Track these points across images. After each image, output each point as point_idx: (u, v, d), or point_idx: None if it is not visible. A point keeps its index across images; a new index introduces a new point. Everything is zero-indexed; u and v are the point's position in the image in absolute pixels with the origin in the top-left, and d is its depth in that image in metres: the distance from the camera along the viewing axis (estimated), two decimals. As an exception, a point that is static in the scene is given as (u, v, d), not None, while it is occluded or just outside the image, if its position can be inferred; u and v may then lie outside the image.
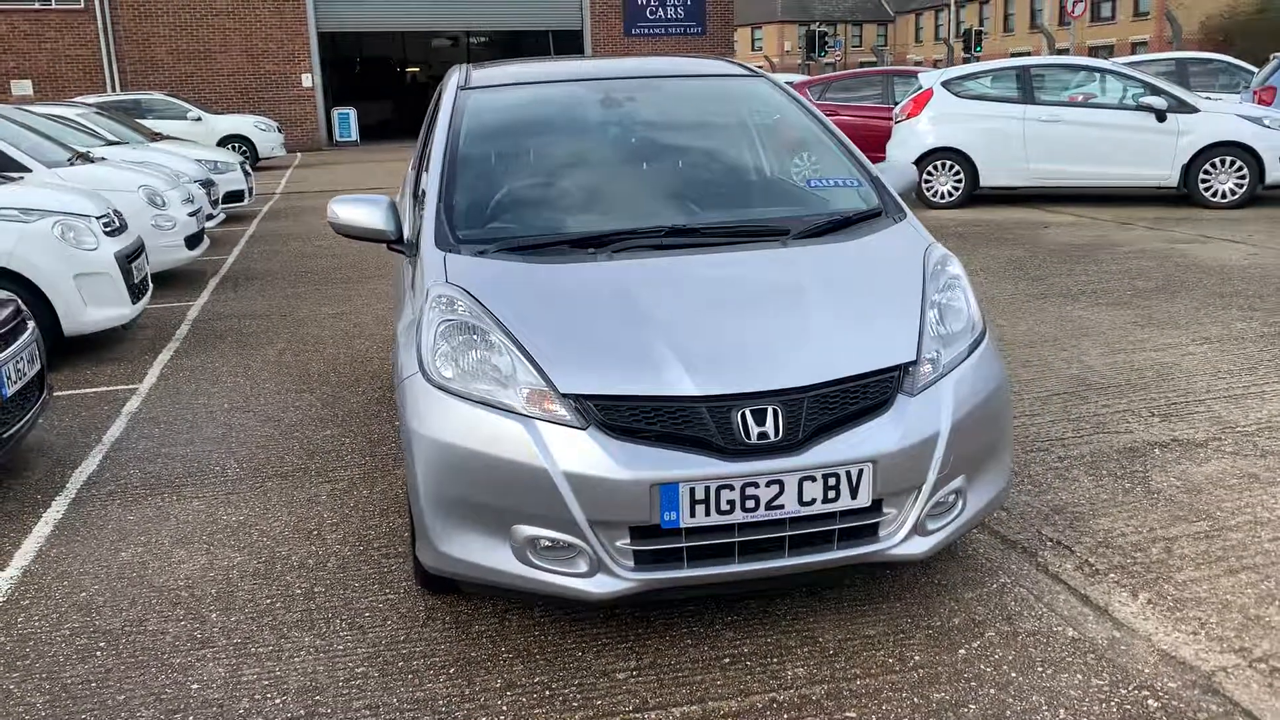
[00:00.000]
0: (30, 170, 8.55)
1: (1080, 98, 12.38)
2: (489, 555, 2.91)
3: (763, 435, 2.82)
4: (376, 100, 41.54)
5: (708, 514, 2.81)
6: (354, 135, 30.07)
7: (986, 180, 12.36)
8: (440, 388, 2.97)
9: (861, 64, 56.73)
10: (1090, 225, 10.77)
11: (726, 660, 2.99)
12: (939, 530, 3.07)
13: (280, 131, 23.45)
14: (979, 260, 8.99)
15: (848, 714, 2.73)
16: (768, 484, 2.82)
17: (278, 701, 2.84)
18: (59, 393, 5.78)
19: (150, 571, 3.65)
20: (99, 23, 26.57)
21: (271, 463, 4.66)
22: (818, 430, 2.87)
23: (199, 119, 21.95)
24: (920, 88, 12.80)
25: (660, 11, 32.17)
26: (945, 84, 12.58)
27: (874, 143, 12.60)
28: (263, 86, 28.40)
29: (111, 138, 12.13)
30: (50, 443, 5.05)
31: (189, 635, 3.21)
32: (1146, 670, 2.87)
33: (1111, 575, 3.38)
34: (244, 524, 4.01)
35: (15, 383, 4.45)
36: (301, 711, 2.79)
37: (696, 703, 2.79)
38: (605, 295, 3.16)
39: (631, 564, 2.86)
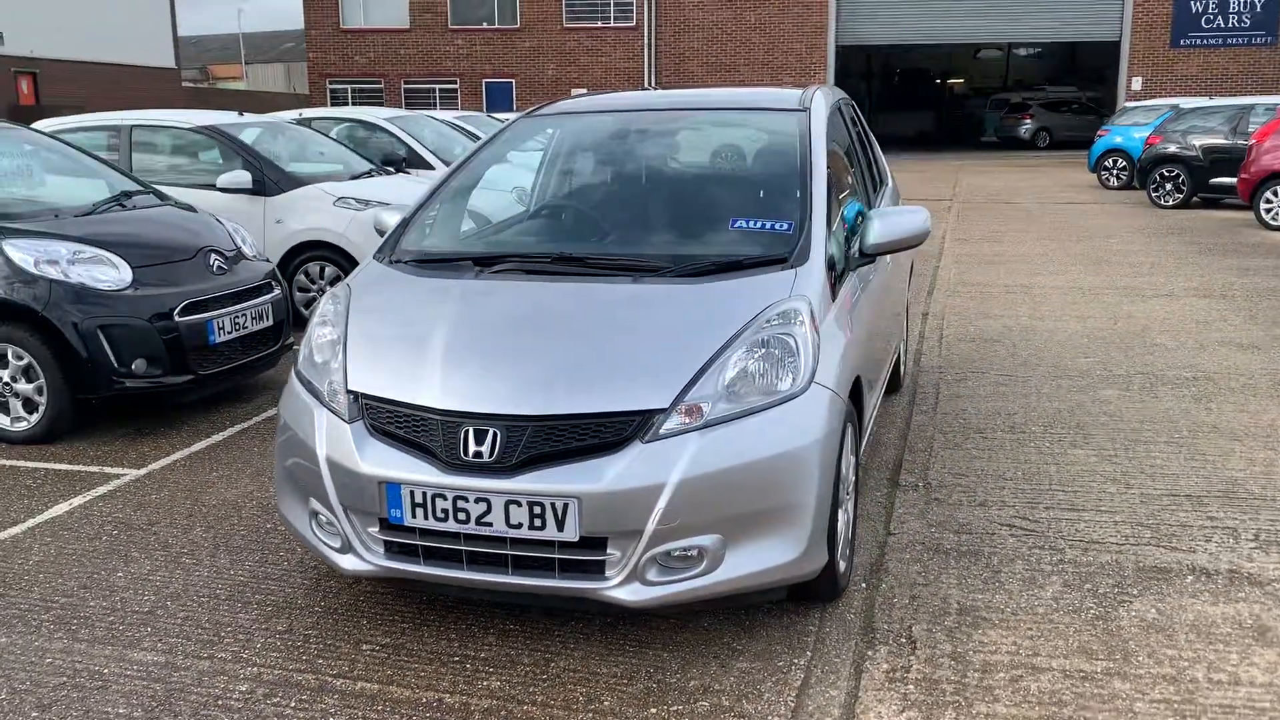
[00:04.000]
0: (432, 168, 10.31)
1: None
2: (298, 519, 3.43)
3: (478, 454, 3.03)
4: (916, 111, 41.85)
5: (426, 518, 3.08)
6: (858, 146, 30.61)
7: None
8: (296, 372, 3.53)
9: None
10: None
11: (457, 659, 3.22)
12: (667, 584, 3.02)
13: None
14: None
15: (478, 728, 2.87)
16: (476, 500, 3.02)
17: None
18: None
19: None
20: (645, 39, 29.90)
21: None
22: (535, 459, 3.00)
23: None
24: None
25: (1219, 20, 28.63)
26: None
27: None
28: (777, 97, 29.99)
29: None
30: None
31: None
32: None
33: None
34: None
35: (228, 333, 5.72)
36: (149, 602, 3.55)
37: (393, 684, 3.08)
38: (442, 309, 3.49)
39: (382, 551, 3.21)
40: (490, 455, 3.02)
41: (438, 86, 30.77)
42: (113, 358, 5.26)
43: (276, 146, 8.77)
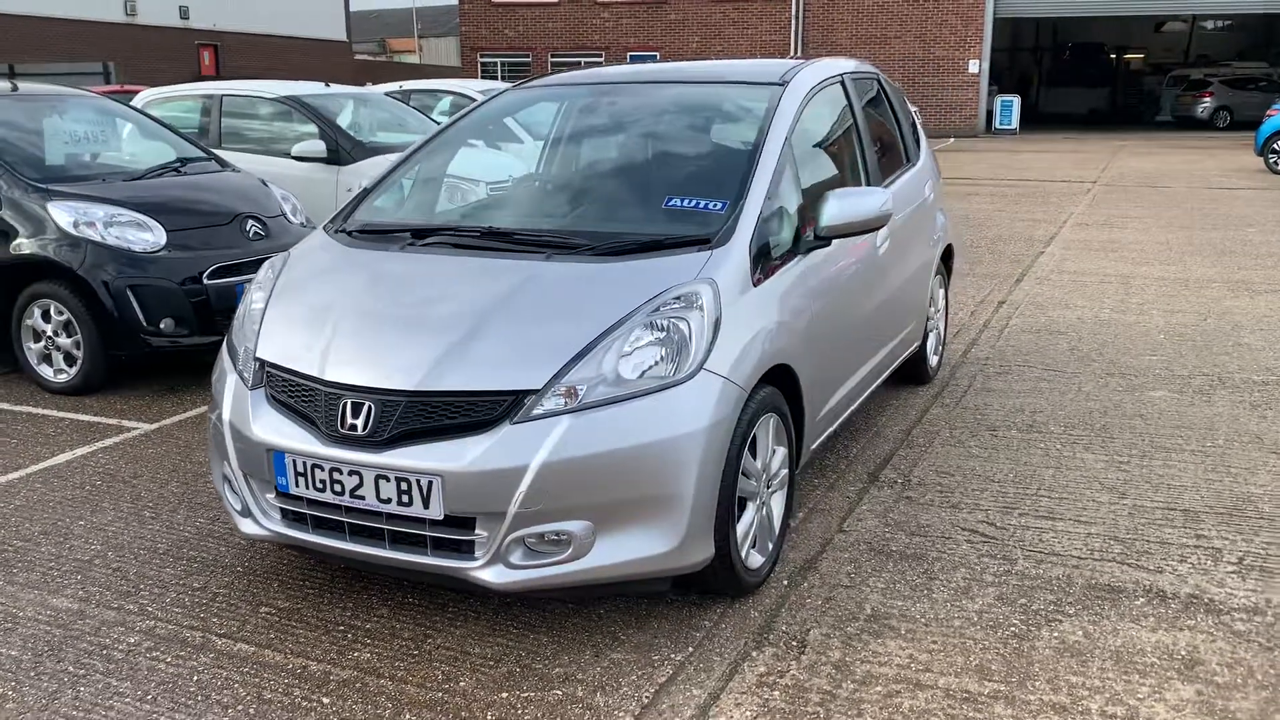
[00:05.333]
0: (521, 141, 10.37)
1: None
2: (217, 480, 3.52)
3: (353, 427, 3.03)
4: (1089, 88, 39.71)
5: (307, 488, 3.12)
6: (1014, 124, 29.31)
7: None
8: (226, 336, 3.62)
9: None
10: None
11: (342, 628, 3.25)
12: (532, 568, 2.96)
13: (918, 116, 23.86)
14: None
15: (324, 699, 2.88)
16: (349, 473, 3.03)
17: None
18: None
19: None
20: (792, 10, 29.31)
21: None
22: (407, 434, 2.98)
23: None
24: None
25: None
26: None
27: None
28: (929, 72, 28.98)
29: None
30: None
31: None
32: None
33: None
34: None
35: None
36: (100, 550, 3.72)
37: (270, 648, 3.13)
38: (354, 280, 3.50)
39: (278, 517, 3.27)
40: (364, 429, 3.01)
41: (583, 59, 30.96)
42: (141, 317, 5.51)
43: (359, 117, 9.00)
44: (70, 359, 5.65)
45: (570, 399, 2.95)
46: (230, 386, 3.37)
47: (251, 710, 2.82)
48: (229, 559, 3.71)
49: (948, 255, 5.89)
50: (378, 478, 2.99)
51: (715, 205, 3.55)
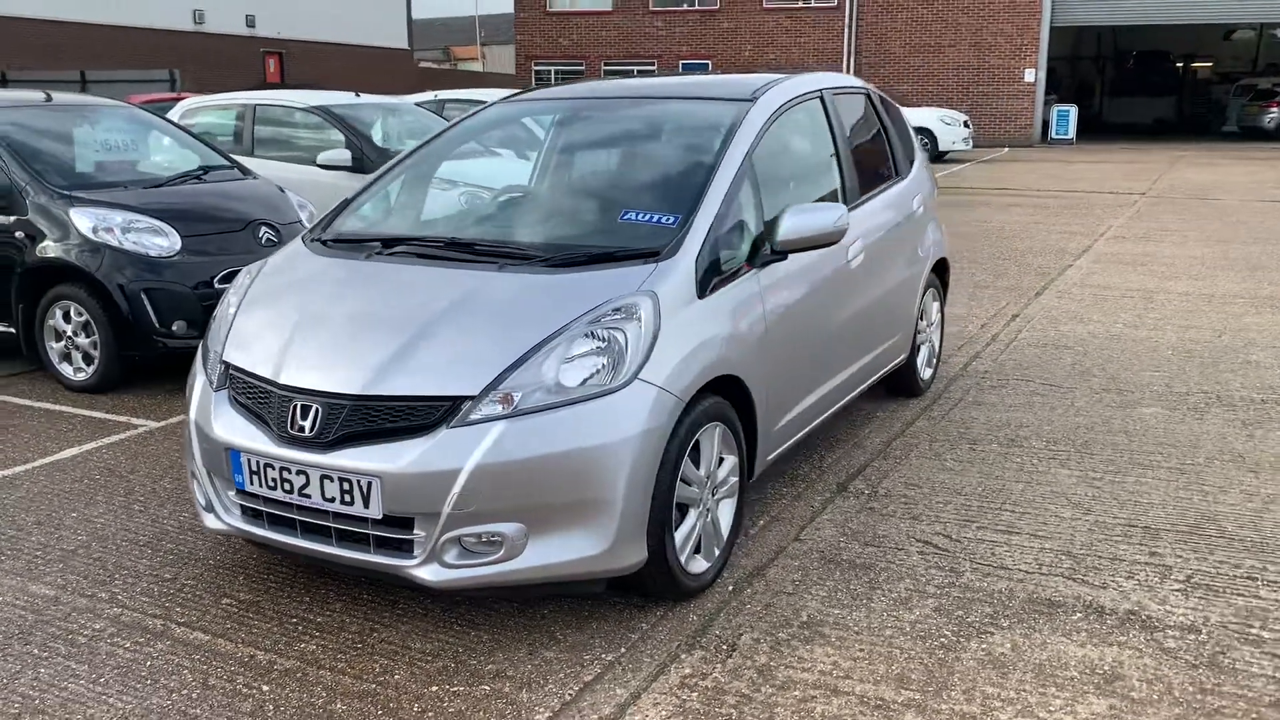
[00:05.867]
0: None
1: None
2: (189, 475, 3.70)
3: (300, 429, 3.18)
4: (1154, 97, 38.96)
5: (261, 486, 3.27)
6: (1070, 133, 28.89)
7: None
8: (203, 339, 3.80)
9: None
10: None
11: (294, 620, 3.39)
12: (467, 568, 3.08)
13: (968, 126, 23.70)
14: None
15: (264, 687, 3.02)
16: (297, 472, 3.18)
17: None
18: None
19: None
20: (845, 18, 29.21)
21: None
22: (351, 437, 3.12)
23: (890, 110, 23.27)
24: None
25: None
26: None
27: None
28: (983, 80, 28.69)
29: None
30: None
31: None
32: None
33: (695, 692, 2.96)
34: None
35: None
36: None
37: (223, 638, 3.28)
38: (325, 286, 3.64)
39: (238, 513, 3.43)
40: (311, 431, 3.16)
41: (636, 68, 31.16)
42: (154, 319, 5.75)
43: (389, 127, 9.23)
44: (88, 358, 5.90)
45: (506, 405, 3.06)
46: (198, 387, 3.54)
47: (194, 695, 2.98)
48: (203, 552, 3.88)
49: (942, 269, 5.90)
50: (323, 477, 3.13)
51: (668, 219, 3.64)
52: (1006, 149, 27.82)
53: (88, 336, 5.87)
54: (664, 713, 2.88)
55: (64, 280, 5.88)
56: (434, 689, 3.00)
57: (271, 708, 2.92)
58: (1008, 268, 9.94)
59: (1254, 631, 3.24)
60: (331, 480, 3.12)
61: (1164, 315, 7.73)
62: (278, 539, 3.32)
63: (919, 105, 25.15)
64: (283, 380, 3.27)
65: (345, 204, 4.26)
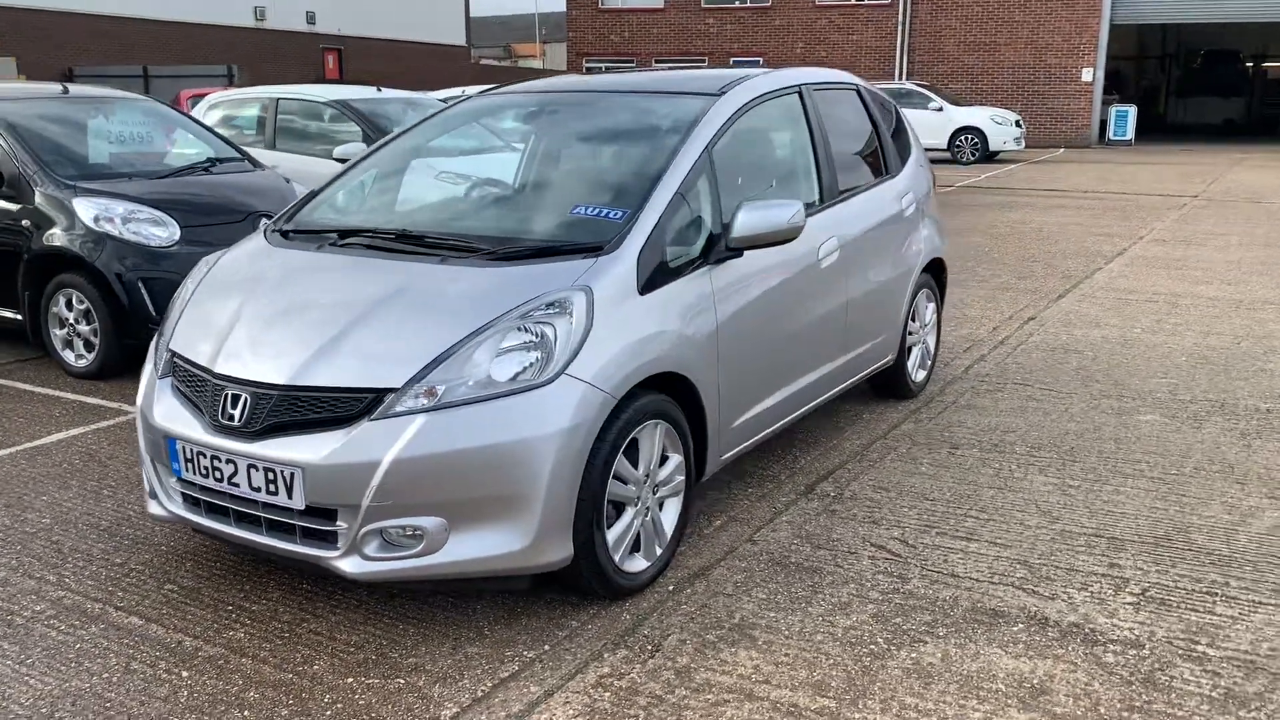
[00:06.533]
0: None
1: None
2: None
3: (230, 418, 3.20)
4: (1223, 98, 37.96)
5: (194, 473, 3.30)
6: (1128, 134, 28.23)
7: None
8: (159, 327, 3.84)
9: None
10: None
11: (230, 608, 3.41)
12: (387, 560, 3.07)
13: (1020, 126, 23.26)
14: None
15: (184, 673, 3.04)
16: (226, 461, 3.20)
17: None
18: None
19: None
20: (899, 16, 28.84)
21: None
22: (278, 427, 3.13)
23: (940, 109, 22.95)
24: None
25: None
26: None
27: None
28: (1039, 80, 28.14)
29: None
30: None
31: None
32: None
33: None
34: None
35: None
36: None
37: (156, 623, 3.31)
38: (272, 277, 3.66)
39: (180, 500, 3.46)
40: (240, 420, 3.18)
41: (687, 65, 31.06)
42: (151, 307, 5.84)
43: (408, 121, 9.27)
44: (89, 345, 6.02)
45: (430, 398, 3.05)
46: (146, 375, 3.58)
47: (114, 679, 3.01)
48: (158, 538, 3.93)
49: (938, 270, 5.78)
50: (249, 467, 3.15)
51: (615, 214, 3.60)
52: (1062, 149, 27.30)
53: (89, 324, 5.98)
54: (572, 711, 2.84)
55: (67, 268, 6.00)
56: (349, 680, 3.00)
57: (186, 693, 2.94)
58: (1035, 269, 9.73)
59: (1199, 648, 3.11)
60: (258, 470, 3.13)
61: (1185, 320, 7.51)
62: (214, 527, 3.34)
63: (971, 104, 24.69)
64: (217, 369, 3.29)
65: (311, 196, 4.28)
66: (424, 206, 4.17)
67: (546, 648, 3.17)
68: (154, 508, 3.52)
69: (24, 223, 6.08)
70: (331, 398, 3.11)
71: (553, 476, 3.07)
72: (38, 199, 6.06)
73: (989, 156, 23.08)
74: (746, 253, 3.84)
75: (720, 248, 3.75)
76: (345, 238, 3.83)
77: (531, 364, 3.12)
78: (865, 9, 29.36)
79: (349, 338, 3.22)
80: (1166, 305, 8.05)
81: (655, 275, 3.49)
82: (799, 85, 4.64)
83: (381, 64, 39.10)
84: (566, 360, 3.13)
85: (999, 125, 22.87)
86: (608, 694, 2.92)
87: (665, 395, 3.49)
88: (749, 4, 30.63)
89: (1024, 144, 23.46)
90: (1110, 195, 16.30)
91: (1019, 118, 23.58)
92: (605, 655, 3.12)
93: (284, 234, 4.01)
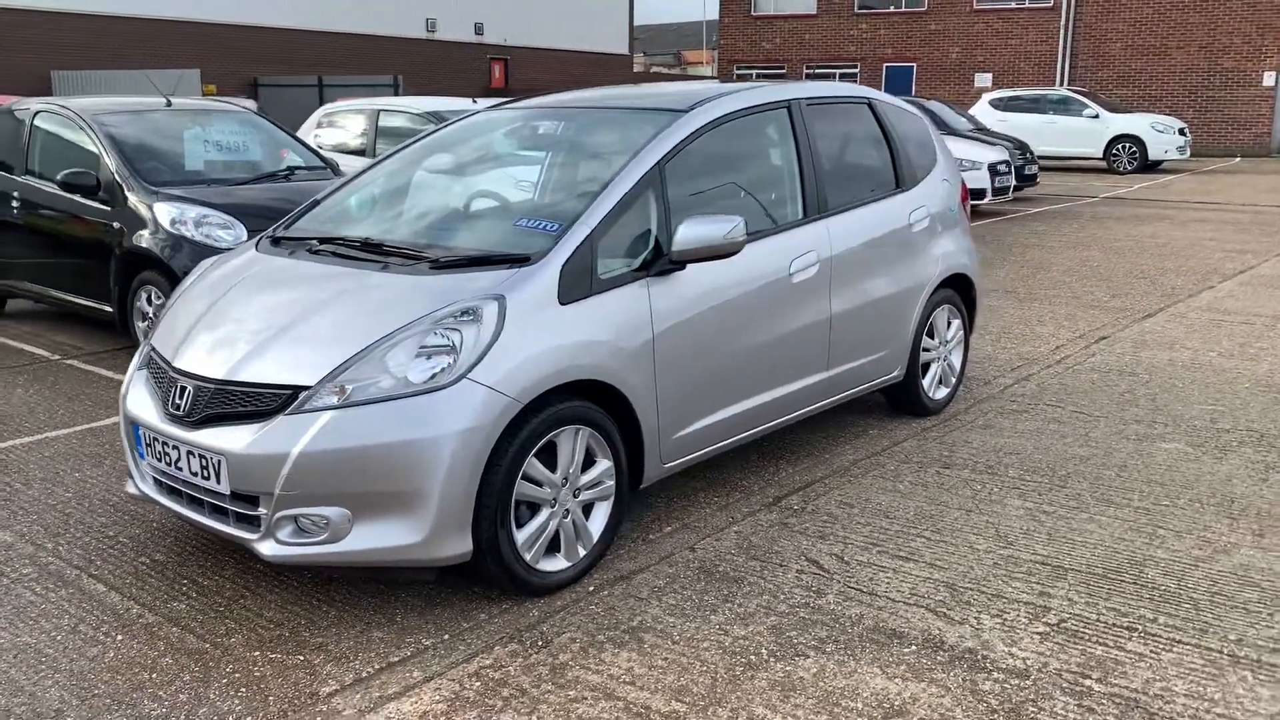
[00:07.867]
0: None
1: None
2: (132, 446, 4.13)
3: (176, 407, 3.52)
4: None
5: (152, 457, 3.64)
6: (1314, 143, 26.25)
7: None
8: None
9: None
10: None
11: (185, 582, 3.73)
12: (297, 546, 3.31)
13: (1184, 134, 22.02)
14: None
15: (118, 637, 3.36)
16: (172, 447, 3.52)
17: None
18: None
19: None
20: (1062, 19, 27.70)
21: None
22: (210, 418, 3.43)
23: (1095, 116, 21.99)
24: None
25: None
26: None
27: None
28: (1214, 85, 26.51)
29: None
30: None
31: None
32: (273, 734, 2.85)
33: (477, 682, 3.07)
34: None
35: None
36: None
37: (116, 591, 3.66)
38: (247, 280, 3.96)
39: (152, 481, 3.81)
40: (183, 410, 3.49)
41: (838, 71, 30.73)
42: (215, 305, 6.32)
43: (501, 130, 9.64)
44: (165, 338, 6.55)
45: (339, 396, 3.28)
46: (131, 366, 3.96)
47: (59, 638, 3.35)
48: (154, 516, 4.30)
49: (964, 285, 5.66)
50: (189, 453, 3.45)
51: (552, 226, 3.75)
52: (1238, 158, 25.66)
53: (164, 318, 6.52)
54: (438, 697, 3.01)
55: (148, 266, 6.56)
56: (256, 654, 3.25)
57: (111, 654, 3.25)
58: (1135, 285, 9.30)
59: (1086, 683, 3.02)
60: (195, 456, 3.43)
61: (1271, 345, 7.06)
62: (171, 506, 3.66)
63: (1135, 111, 23.52)
64: (175, 363, 3.62)
65: (313, 204, 4.59)
66: (398, 216, 4.41)
67: (446, 637, 3.34)
68: (130, 487, 3.87)
69: (115, 224, 6.68)
70: (256, 393, 3.37)
71: (449, 475, 3.24)
72: (128, 203, 6.65)
73: (1149, 166, 21.95)
74: (695, 267, 3.92)
75: (663, 261, 3.85)
76: (322, 245, 4.11)
77: (444, 368, 3.30)
78: (1026, 12, 28.36)
79: (283, 338, 3.49)
80: (1262, 329, 7.58)
81: (581, 286, 3.61)
82: (788, 101, 4.67)
83: (545, 73, 40.24)
84: (470, 365, 3.30)
85: (1159, 133, 21.72)
86: (478, 683, 3.07)
87: (590, 402, 3.61)
88: (904, 9, 30.05)
89: (1188, 153, 22.19)
90: (1265, 210, 15.30)
91: (1183, 125, 22.32)
92: (495, 648, 3.27)
93: (274, 241, 4.32)
